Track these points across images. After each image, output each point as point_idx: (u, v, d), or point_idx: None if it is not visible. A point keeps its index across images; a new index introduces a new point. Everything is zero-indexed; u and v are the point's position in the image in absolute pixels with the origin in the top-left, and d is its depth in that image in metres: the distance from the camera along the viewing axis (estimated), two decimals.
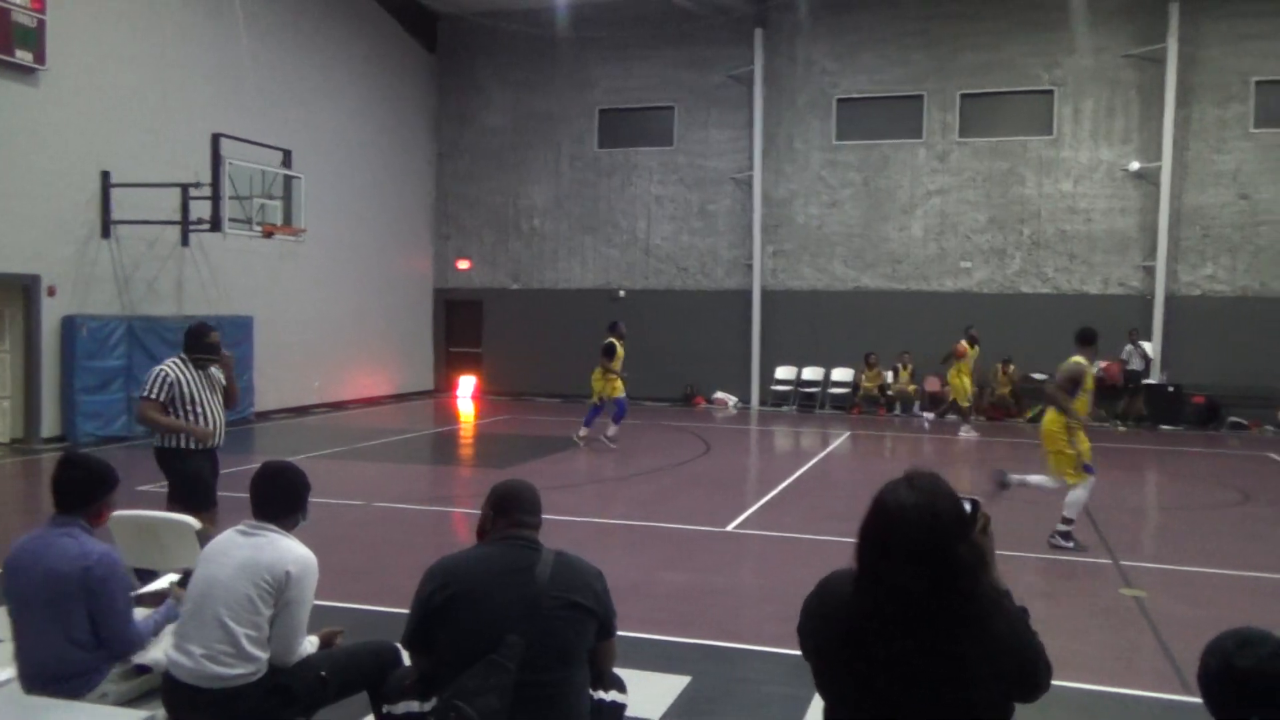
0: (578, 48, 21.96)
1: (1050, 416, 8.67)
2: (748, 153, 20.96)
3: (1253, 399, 18.10)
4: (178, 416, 6.43)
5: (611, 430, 14.36)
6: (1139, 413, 18.31)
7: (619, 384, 14.51)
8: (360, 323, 20.42)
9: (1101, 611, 6.78)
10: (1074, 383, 8.57)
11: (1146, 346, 18.47)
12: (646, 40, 21.53)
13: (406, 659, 3.58)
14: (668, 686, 5.01)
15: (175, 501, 6.43)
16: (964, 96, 19.93)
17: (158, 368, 6.59)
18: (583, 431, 14.58)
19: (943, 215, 20.14)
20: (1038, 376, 19.17)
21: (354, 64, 20.31)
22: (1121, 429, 17.97)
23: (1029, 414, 19.08)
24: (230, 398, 6.85)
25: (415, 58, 22.45)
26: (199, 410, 6.47)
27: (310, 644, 3.76)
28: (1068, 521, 8.48)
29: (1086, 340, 8.94)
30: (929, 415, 17.91)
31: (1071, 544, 8.37)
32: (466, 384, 22.76)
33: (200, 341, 6.62)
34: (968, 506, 2.57)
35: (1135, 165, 18.95)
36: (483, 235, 23.00)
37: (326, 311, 19.30)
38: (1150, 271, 18.89)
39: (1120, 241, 19.24)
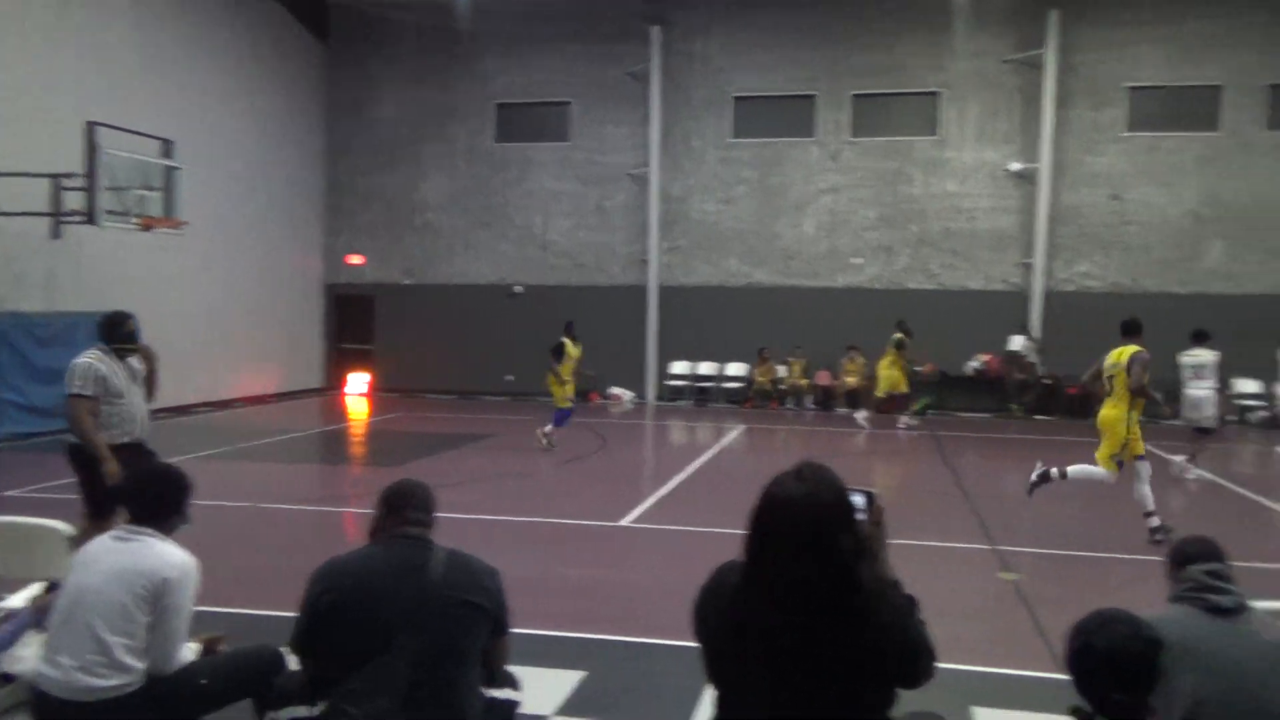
0: (474, 40, 21.71)
1: (1114, 413, 8.79)
2: (644, 149, 21.05)
3: None
4: (102, 410, 6.14)
5: (548, 427, 13.98)
6: (1040, 402, 19.18)
7: (569, 388, 14.12)
8: (246, 318, 19.79)
9: (981, 596, 7.05)
10: (1147, 369, 8.74)
11: (1018, 340, 19.26)
12: (544, 35, 21.42)
13: (293, 663, 3.50)
14: (562, 682, 5.01)
15: (89, 505, 6.14)
16: (855, 97, 20.40)
17: (82, 360, 6.19)
18: (548, 429, 14.06)
19: (834, 213, 20.58)
20: (920, 370, 19.81)
21: (240, 51, 19.65)
22: (1020, 416, 18.77)
23: (916, 407, 19.65)
24: (152, 388, 6.57)
25: (305, 46, 21.87)
26: (125, 402, 6.19)
27: (190, 651, 3.64)
28: (1061, 474, 9.01)
29: (1136, 330, 9.04)
30: (904, 419, 17.95)
31: (1036, 487, 9.10)
32: (358, 381, 22.32)
33: (119, 330, 6.31)
34: (859, 499, 2.64)
35: (1015, 166, 19.69)
36: (375, 230, 22.56)
37: (210, 307, 18.64)
38: (1029, 268, 19.66)
39: (1001, 239, 19.97)
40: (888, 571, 2.71)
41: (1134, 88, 19.33)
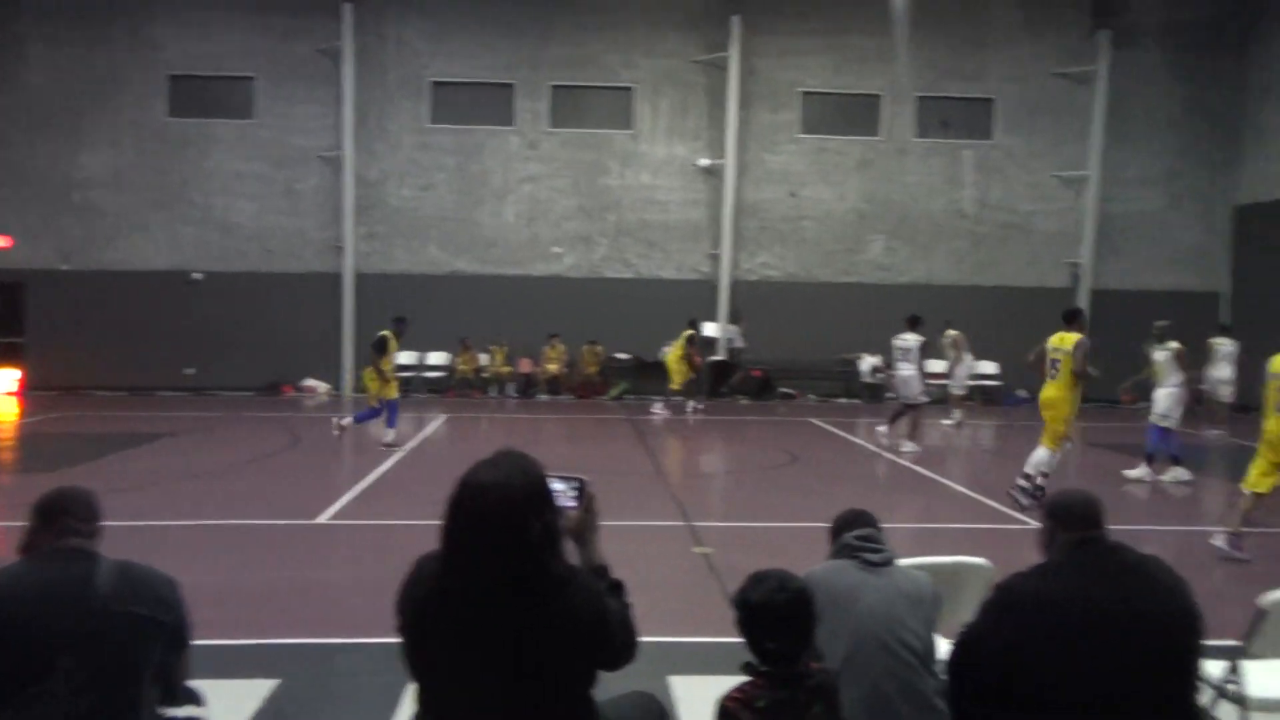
0: (141, 4, 19.86)
1: (1058, 393, 9.52)
2: (337, 131, 20.20)
3: (798, 372, 20.71)
4: None
5: (389, 436, 13.03)
6: (745, 386, 20.32)
7: (393, 384, 13.21)
8: None
9: (676, 570, 7.39)
10: (1088, 354, 9.47)
11: (712, 326, 20.42)
12: (223, 3, 19.98)
13: None
14: (252, 692, 4.72)
15: None
16: (554, 88, 20.66)
17: None
18: (345, 420, 13.12)
19: (534, 202, 20.77)
20: (621, 356, 20.52)
21: None
22: (744, 401, 19.78)
23: (613, 392, 20.32)
24: None
25: None
26: None
27: None
28: (1029, 478, 9.43)
29: (1075, 318, 9.82)
30: (660, 404, 18.18)
31: (1029, 501, 9.24)
32: (6, 378, 19.83)
33: None
34: (562, 485, 2.68)
35: (704, 161, 20.77)
36: (24, 209, 20.10)
37: None
38: (716, 259, 20.83)
39: (692, 231, 21.01)
40: (597, 557, 2.78)
41: (806, 93, 20.96)
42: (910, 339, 13.68)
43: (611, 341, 20.35)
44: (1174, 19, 20.18)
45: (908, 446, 13.39)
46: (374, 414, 13.34)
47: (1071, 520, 3.02)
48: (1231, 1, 20.33)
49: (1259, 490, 7.69)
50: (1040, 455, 9.59)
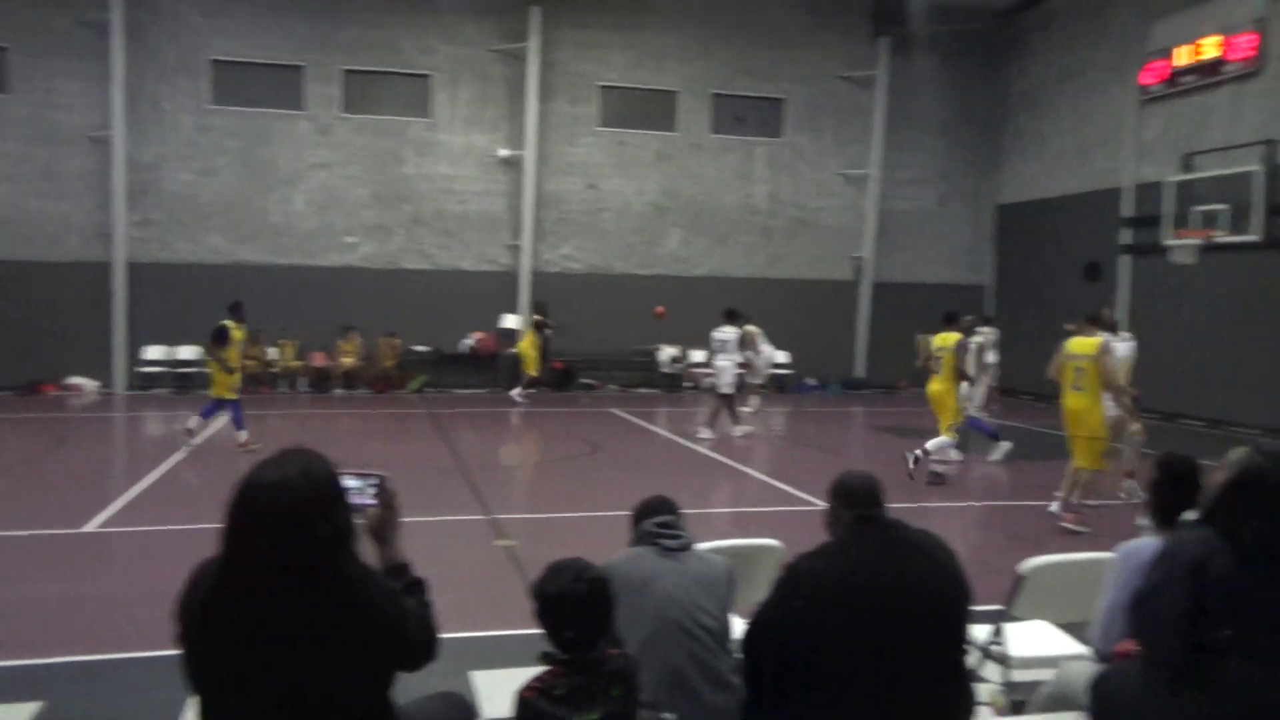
0: None
1: (944, 386, 10.60)
2: (106, 109, 18.72)
3: (599, 362, 20.93)
4: None
5: (193, 422, 12.08)
6: (548, 378, 20.26)
7: (236, 378, 12.25)
8: None
9: (479, 564, 7.32)
10: (966, 352, 10.80)
11: (513, 319, 20.30)
12: None
13: None
14: (12, 718, 4.31)
15: None
16: (347, 72, 19.93)
17: None
18: (242, 437, 12.00)
19: (327, 190, 19.98)
20: (420, 349, 20.11)
21: None
22: (533, 392, 19.66)
23: (413, 385, 19.88)
24: None
25: None
26: None
27: None
28: (926, 453, 10.41)
29: (955, 319, 11.08)
30: (517, 391, 18.28)
31: (918, 462, 10.25)
32: None
33: None
34: (358, 482, 2.59)
35: (503, 152, 20.57)
36: None
37: None
38: (517, 250, 20.71)
39: (491, 222, 20.79)
40: (398, 554, 2.71)
41: (605, 87, 21.13)
42: (728, 331, 14.19)
43: (410, 334, 19.88)
44: (947, 29, 21.60)
45: (705, 434, 13.80)
46: (236, 406, 12.46)
47: (854, 500, 3.18)
48: (998, 15, 21.94)
49: (1080, 465, 8.79)
50: (941, 440, 10.69)
